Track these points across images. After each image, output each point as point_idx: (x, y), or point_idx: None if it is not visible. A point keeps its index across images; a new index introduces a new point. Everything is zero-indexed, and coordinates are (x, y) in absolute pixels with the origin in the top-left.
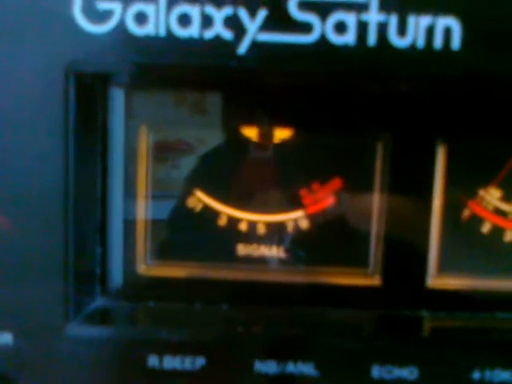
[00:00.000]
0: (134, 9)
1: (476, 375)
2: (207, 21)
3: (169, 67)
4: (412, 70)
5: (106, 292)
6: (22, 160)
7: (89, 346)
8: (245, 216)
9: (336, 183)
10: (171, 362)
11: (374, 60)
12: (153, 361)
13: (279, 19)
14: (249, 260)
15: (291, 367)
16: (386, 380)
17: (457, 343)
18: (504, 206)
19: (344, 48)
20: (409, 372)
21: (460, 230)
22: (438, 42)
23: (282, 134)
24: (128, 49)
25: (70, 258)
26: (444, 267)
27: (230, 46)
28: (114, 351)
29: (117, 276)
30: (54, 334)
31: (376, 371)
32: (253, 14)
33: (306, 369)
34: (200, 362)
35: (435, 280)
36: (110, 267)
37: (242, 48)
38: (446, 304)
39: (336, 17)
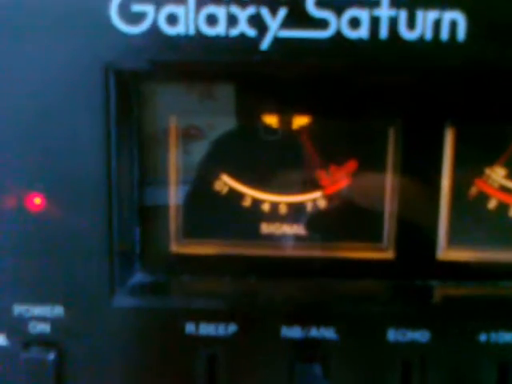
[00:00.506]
0: (166, 10)
1: (483, 337)
2: (232, 20)
3: (197, 63)
4: (421, 60)
5: (145, 268)
6: (69, 150)
7: (132, 317)
8: (267, 197)
9: (352, 165)
10: (206, 329)
11: (385, 52)
12: (190, 328)
13: (298, 17)
14: (272, 237)
15: (314, 332)
16: (400, 342)
17: (465, 309)
18: (509, 184)
19: (358, 42)
20: (421, 335)
21: (468, 207)
22: (444, 35)
23: (300, 120)
24: (161, 47)
25: (113, 238)
26: (453, 241)
27: (253, 43)
28: (155, 320)
29: (154, 254)
30: (101, 306)
31: (391, 334)
32: (274, 12)
33: (328, 333)
34: (232, 328)
35: (445, 252)
36: (147, 246)
37: (265, 44)
38: (455, 274)
39: (350, 13)
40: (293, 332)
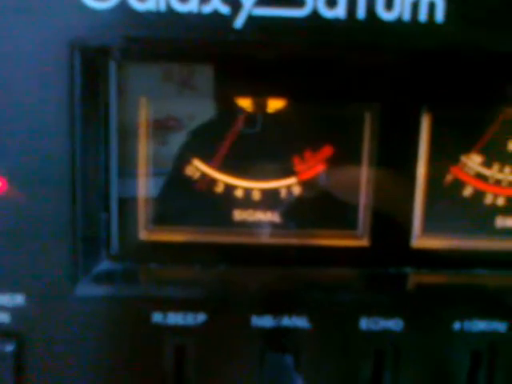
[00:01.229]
0: None
1: (456, 326)
2: None
3: (169, 41)
4: (398, 41)
5: (110, 255)
6: (30, 131)
7: (96, 306)
8: (240, 183)
9: (327, 151)
10: (174, 318)
11: (362, 33)
12: (157, 317)
13: None
14: (244, 224)
15: (286, 321)
16: (373, 330)
17: (438, 297)
18: (484, 171)
19: (335, 21)
20: (394, 323)
21: (443, 194)
22: (422, 16)
23: (275, 104)
24: (130, 24)
25: (77, 224)
26: (428, 228)
27: (227, 21)
28: (121, 309)
29: (120, 240)
30: (64, 294)
31: (364, 323)
32: None
33: (300, 322)
34: (201, 317)
35: (419, 240)
36: (114, 232)
37: (239, 22)
38: (429, 262)
39: None
40: (264, 321)
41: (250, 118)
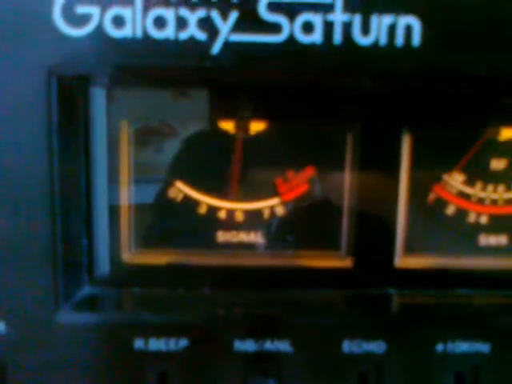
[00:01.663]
0: (112, 12)
1: (439, 347)
2: (182, 23)
3: (146, 67)
4: (376, 66)
5: (93, 280)
6: (8, 155)
7: (78, 332)
8: (223, 204)
9: (309, 171)
10: (156, 344)
11: (339, 57)
12: (139, 343)
13: (250, 20)
14: (228, 246)
15: (268, 345)
16: (355, 353)
17: (422, 318)
18: (467, 189)
19: (311, 47)
20: (377, 346)
21: (426, 213)
22: (399, 40)
23: (257, 126)
24: (107, 51)
25: (57, 249)
26: (410, 248)
27: (204, 47)
28: (102, 336)
29: (103, 265)
30: (45, 321)
31: (346, 346)
32: (225, 15)
33: (282, 346)
34: (183, 343)
35: (402, 260)
36: (96, 256)
37: (216, 48)
38: (413, 282)
39: (303, 17)
40: (246, 345)
41: (232, 140)
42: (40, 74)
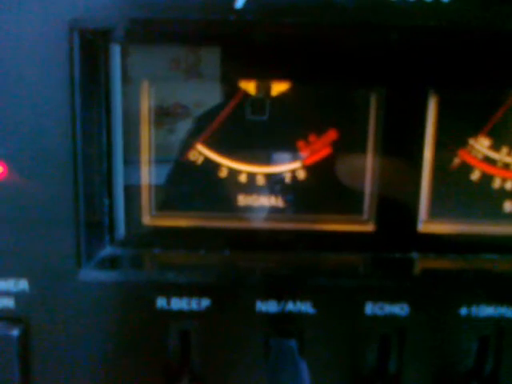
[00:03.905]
0: None
1: (463, 311)
2: None
3: (168, 22)
4: (404, 20)
5: (114, 240)
6: (30, 115)
7: (100, 291)
8: (244, 168)
9: (332, 135)
10: (178, 303)
11: (367, 11)
12: (161, 302)
13: None
14: (249, 209)
15: (290, 306)
16: (378, 316)
17: (445, 282)
18: (493, 154)
19: (339, 0)
20: (400, 308)
21: (450, 178)
22: None
23: (279, 87)
24: (128, 4)
25: (80, 209)
26: (434, 213)
27: (227, 1)
28: (125, 294)
29: (124, 226)
30: (67, 279)
31: (369, 308)
32: None
33: (304, 307)
34: (205, 302)
35: (426, 225)
36: (117, 218)
37: (239, 2)
38: (436, 247)
39: None
40: (268, 306)
41: (255, 103)
42: (61, 27)
